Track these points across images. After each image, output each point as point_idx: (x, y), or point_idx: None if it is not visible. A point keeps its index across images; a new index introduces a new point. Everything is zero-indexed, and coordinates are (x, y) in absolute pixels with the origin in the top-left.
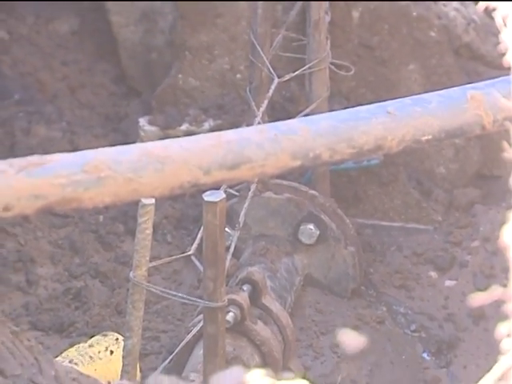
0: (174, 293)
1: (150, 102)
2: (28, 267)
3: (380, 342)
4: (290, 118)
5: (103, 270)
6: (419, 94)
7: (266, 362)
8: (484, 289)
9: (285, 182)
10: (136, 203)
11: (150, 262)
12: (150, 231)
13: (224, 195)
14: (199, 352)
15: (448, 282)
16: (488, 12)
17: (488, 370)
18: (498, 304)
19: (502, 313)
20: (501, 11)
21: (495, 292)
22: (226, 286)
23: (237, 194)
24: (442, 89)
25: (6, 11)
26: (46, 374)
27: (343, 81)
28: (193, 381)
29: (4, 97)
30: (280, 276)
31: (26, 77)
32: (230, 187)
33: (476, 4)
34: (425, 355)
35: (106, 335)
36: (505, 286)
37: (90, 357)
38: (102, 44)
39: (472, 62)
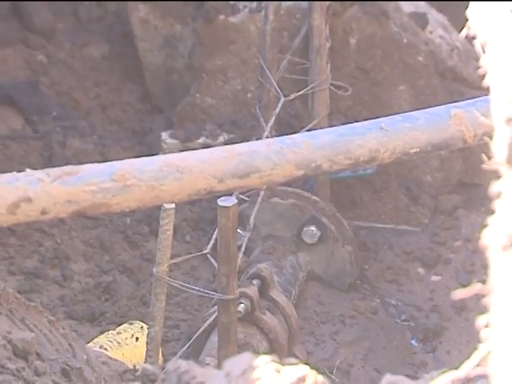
0: (192, 286)
1: (171, 118)
2: (63, 263)
3: (374, 330)
4: (294, 133)
5: (130, 266)
6: (408, 111)
7: (273, 347)
8: (466, 283)
9: (290, 189)
10: (158, 207)
11: (171, 259)
12: (170, 232)
13: (236, 201)
14: (214, 339)
15: (434, 277)
16: (469, 39)
17: (469, 356)
18: (478, 297)
19: (482, 305)
20: (480, 39)
21: (476, 286)
22: (238, 280)
23: (247, 199)
24: (428, 107)
25: (46, 38)
26: (79, 358)
27: (341, 100)
28: (208, 364)
29: (43, 113)
30: (285, 272)
31: (63, 96)
32: (242, 193)
33: (459, 32)
34: (413, 342)
35: (132, 324)
36: (484, 281)
37: (118, 343)
38: (129, 67)
39: (455, 83)
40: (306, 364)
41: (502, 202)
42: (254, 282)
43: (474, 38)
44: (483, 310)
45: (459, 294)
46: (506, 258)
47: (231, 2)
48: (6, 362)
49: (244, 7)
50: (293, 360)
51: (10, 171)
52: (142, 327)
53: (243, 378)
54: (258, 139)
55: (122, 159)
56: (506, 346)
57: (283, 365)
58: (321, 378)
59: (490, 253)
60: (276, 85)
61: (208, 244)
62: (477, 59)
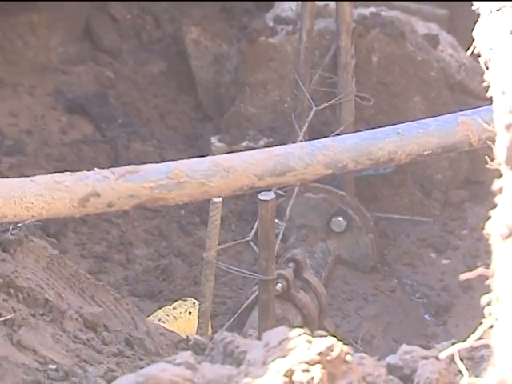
0: (237, 269)
1: (219, 125)
2: (127, 249)
3: (392, 306)
4: (324, 138)
5: (184, 251)
6: (422, 119)
7: (306, 321)
8: (471, 267)
9: (320, 185)
10: (208, 201)
11: (219, 245)
12: (218, 222)
13: (274, 195)
14: (256, 314)
15: (444, 261)
16: (475, 57)
17: (474, 329)
18: (482, 279)
19: (485, 285)
20: (484, 56)
21: (480, 269)
22: (276, 263)
23: (284, 194)
24: (439, 115)
25: (113, 57)
26: (140, 330)
27: (365, 109)
28: (250, 336)
29: (110, 121)
30: (317, 256)
31: (127, 106)
32: (279, 189)
33: (466, 51)
34: (426, 316)
35: (185, 300)
36: (487, 265)
37: (174, 317)
38: (184, 81)
39: (463, 95)
40: (334, 336)
41: (503, 197)
42: (290, 264)
43: (478, 55)
44: (487, 290)
45: (466, 275)
46: (506, 245)
47: (270, 25)
48: (78, 332)
49: (281, 30)
50: (323, 332)
51: (82, 170)
52: (194, 303)
53: (280, 347)
54: (293, 143)
55: (177, 160)
56: (505, 320)
57: (314, 336)
58: (346, 347)
59: (492, 240)
60: (309, 96)
61: (250, 232)
62: (482, 74)
